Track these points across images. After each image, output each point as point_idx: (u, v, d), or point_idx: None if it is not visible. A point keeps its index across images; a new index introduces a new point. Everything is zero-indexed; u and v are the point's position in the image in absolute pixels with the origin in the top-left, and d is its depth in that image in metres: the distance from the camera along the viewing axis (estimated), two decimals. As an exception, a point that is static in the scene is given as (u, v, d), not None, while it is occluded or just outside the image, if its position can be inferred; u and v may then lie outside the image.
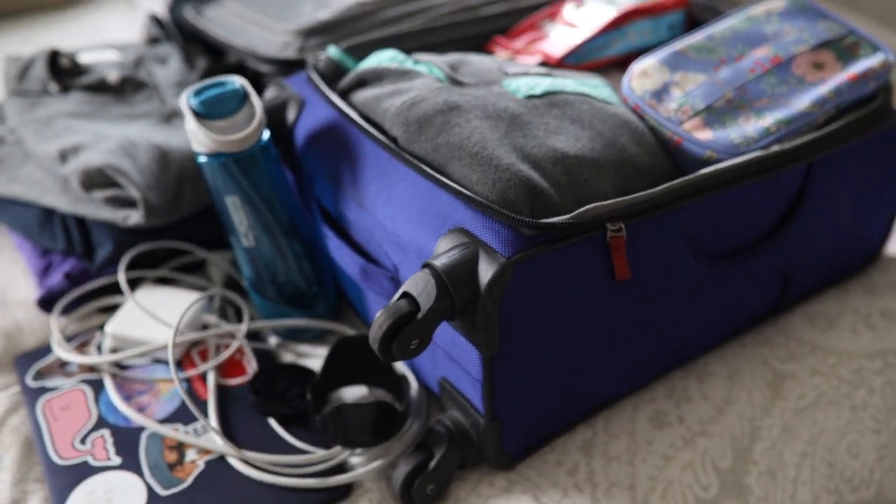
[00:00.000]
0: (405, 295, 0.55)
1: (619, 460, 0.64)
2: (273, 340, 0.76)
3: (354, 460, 0.65)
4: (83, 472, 0.65)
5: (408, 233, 0.61)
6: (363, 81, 0.71)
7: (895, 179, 0.75)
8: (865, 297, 0.77)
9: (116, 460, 0.66)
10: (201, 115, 0.66)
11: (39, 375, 0.73)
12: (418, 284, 0.54)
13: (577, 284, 0.58)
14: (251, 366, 0.73)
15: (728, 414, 0.68)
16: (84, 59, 0.97)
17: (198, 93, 0.67)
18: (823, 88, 0.68)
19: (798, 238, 0.70)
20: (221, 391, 0.70)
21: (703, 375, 0.71)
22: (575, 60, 0.82)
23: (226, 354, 0.71)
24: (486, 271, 0.54)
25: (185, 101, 0.67)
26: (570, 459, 0.65)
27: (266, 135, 0.69)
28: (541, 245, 0.55)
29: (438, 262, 0.54)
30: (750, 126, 0.66)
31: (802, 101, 0.67)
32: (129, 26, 1.36)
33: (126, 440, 0.67)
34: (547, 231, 0.55)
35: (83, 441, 0.67)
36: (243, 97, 0.67)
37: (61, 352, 0.72)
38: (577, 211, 0.55)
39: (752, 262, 0.68)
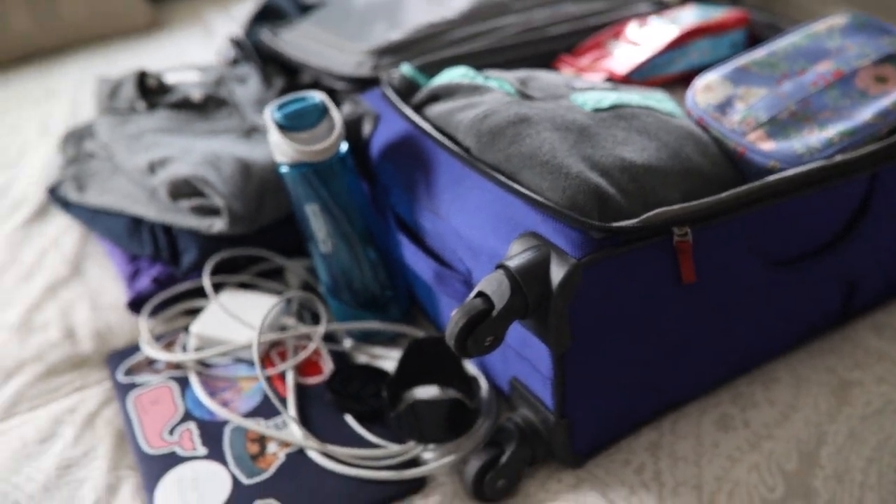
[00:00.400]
0: (480, 294, 0.57)
1: (686, 461, 0.66)
2: (348, 343, 0.79)
3: (427, 456, 0.68)
4: (172, 460, 0.69)
5: (481, 238, 0.64)
6: (436, 96, 0.75)
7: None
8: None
9: (202, 451, 0.70)
10: (285, 127, 0.70)
11: (129, 372, 0.78)
12: (493, 284, 0.57)
13: (644, 287, 0.60)
14: (327, 366, 0.76)
15: (793, 419, 0.69)
16: (169, 79, 1.02)
17: (281, 107, 0.72)
18: (886, 101, 0.69)
19: (861, 247, 0.71)
20: (300, 389, 0.74)
21: (768, 382, 0.72)
22: (639, 77, 0.85)
23: (305, 354, 0.75)
24: (557, 272, 0.57)
25: (270, 115, 0.71)
26: (637, 459, 0.66)
27: (344, 147, 0.73)
28: (609, 248, 0.57)
29: (512, 263, 0.57)
30: (813, 137, 0.68)
31: (865, 113, 0.68)
32: (205, 50, 1.42)
33: (211, 433, 0.71)
34: (616, 234, 0.57)
35: (171, 433, 0.71)
36: (323, 111, 0.72)
37: (149, 350, 0.77)
38: (646, 215, 0.58)
39: (814, 270, 0.69)
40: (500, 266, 0.58)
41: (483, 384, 0.72)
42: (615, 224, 0.57)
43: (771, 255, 0.66)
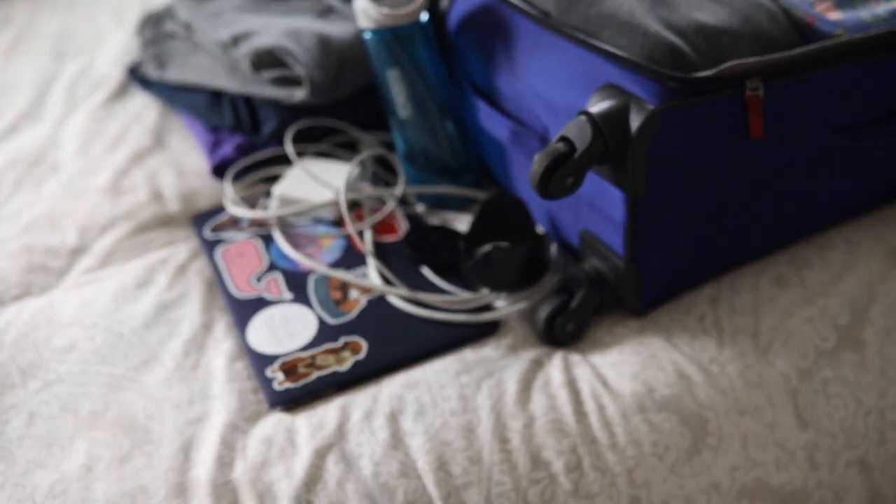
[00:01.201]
0: (563, 139, 0.61)
1: (744, 312, 0.70)
2: (420, 208, 0.84)
3: (500, 303, 0.73)
4: (260, 304, 0.74)
5: (560, 95, 0.68)
6: (514, -31, 0.78)
7: None
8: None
9: (289, 296, 0.75)
10: (371, -8, 0.74)
11: (215, 230, 0.83)
12: (575, 129, 0.61)
13: (715, 139, 0.64)
14: (403, 227, 0.81)
15: (846, 279, 0.73)
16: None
17: (367, -26, 0.75)
18: (953, -22, 0.71)
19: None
20: (377, 247, 0.79)
21: (823, 247, 0.75)
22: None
23: (383, 213, 0.79)
24: (636, 118, 0.60)
25: (357, -19, 0.74)
26: (699, 309, 0.71)
27: (425, 16, 0.77)
28: (685, 98, 0.61)
29: (594, 109, 0.61)
30: (880, 7, 0.70)
31: (932, -14, 0.70)
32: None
33: (296, 281, 0.76)
34: (691, 85, 0.61)
35: (258, 280, 0.76)
36: (407, -22, 0.75)
37: (234, 209, 0.81)
38: (720, 67, 0.61)
39: (875, 139, 0.72)
40: (583, 112, 0.61)
41: (553, 242, 0.76)
42: (691, 75, 0.61)
43: (835, 121, 0.69)
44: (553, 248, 0.76)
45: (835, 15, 0.71)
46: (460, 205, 0.83)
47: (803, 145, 0.69)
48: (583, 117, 0.61)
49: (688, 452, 0.64)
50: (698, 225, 0.68)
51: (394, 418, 0.64)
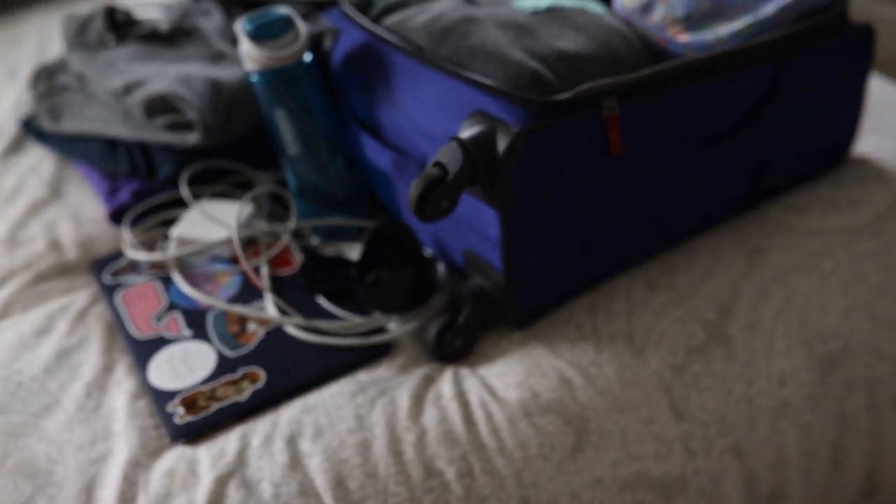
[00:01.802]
0: (437, 164, 0.66)
1: (619, 317, 0.75)
2: (315, 240, 0.87)
3: (392, 326, 0.76)
4: (161, 343, 0.76)
5: (436, 124, 0.72)
6: (390, 8, 0.82)
7: (853, 87, 0.86)
8: (834, 187, 0.88)
9: (188, 333, 0.77)
10: (254, 36, 0.77)
11: (115, 275, 0.84)
12: (446, 154, 0.65)
13: (580, 156, 0.69)
14: (298, 260, 0.84)
15: (711, 281, 0.78)
16: (136, 14, 1.08)
17: (251, 20, 0.79)
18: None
19: (769, 131, 0.81)
20: (274, 280, 0.81)
21: (690, 252, 0.81)
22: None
23: (277, 247, 0.82)
24: (502, 141, 0.65)
25: (241, 27, 0.78)
26: (578, 317, 0.75)
27: (309, 56, 0.81)
28: (548, 120, 0.66)
29: (464, 135, 0.66)
30: (724, 29, 0.77)
31: (770, 7, 0.77)
32: None
33: (195, 318, 0.78)
34: (552, 108, 0.66)
35: (158, 320, 0.78)
36: (289, 21, 0.79)
37: (132, 253, 0.83)
38: (577, 89, 0.66)
39: (728, 149, 0.79)
40: (454, 138, 0.66)
41: (440, 265, 0.80)
42: (550, 98, 0.66)
43: (690, 134, 0.75)
44: (441, 270, 0.80)
45: (684, 38, 0.77)
46: (353, 235, 0.87)
47: (663, 159, 0.74)
48: (454, 143, 0.66)
49: (572, 451, 0.68)
50: (571, 238, 0.73)
51: (293, 441, 0.67)
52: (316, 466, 0.65)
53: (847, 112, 0.88)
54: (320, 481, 0.64)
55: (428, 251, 0.82)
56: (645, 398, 0.71)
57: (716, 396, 0.73)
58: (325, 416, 0.68)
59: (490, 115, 0.67)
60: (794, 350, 0.77)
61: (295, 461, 0.65)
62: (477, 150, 0.65)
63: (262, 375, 0.72)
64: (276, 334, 0.76)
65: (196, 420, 0.69)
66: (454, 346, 0.73)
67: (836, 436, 0.81)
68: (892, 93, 1.04)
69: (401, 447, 0.66)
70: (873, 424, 0.83)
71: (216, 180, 0.92)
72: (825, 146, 0.88)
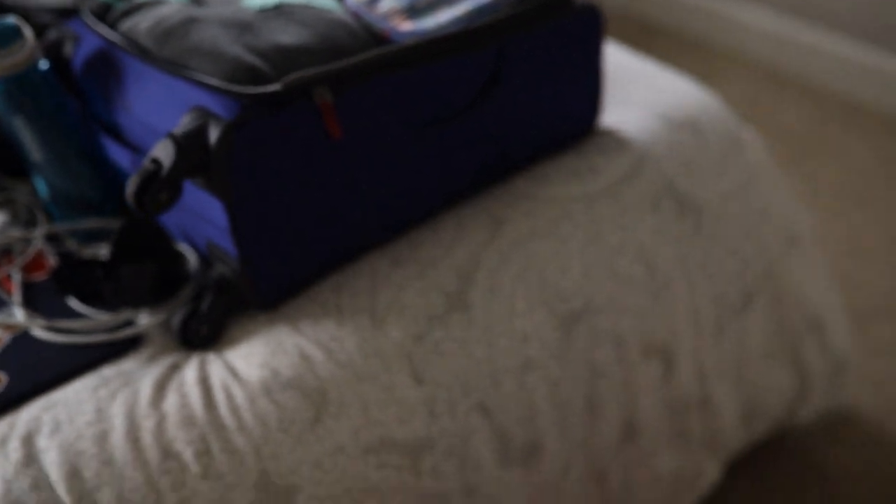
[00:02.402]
0: (153, 160, 0.68)
1: (362, 293, 0.79)
2: (73, 244, 0.87)
3: (141, 320, 0.78)
4: None
5: (162, 122, 0.74)
6: (126, 13, 0.84)
7: (586, 64, 0.92)
8: (577, 158, 0.94)
9: (-66, 346, 0.76)
10: (-20, 46, 0.77)
11: None
12: (161, 149, 0.68)
13: (301, 144, 0.72)
14: (54, 265, 0.84)
15: (454, 252, 0.83)
16: None
17: (-23, 30, 0.79)
18: (506, -14, 0.84)
19: (501, 110, 0.86)
20: (29, 286, 0.82)
21: (436, 227, 0.86)
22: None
23: (27, 255, 0.82)
24: (214, 133, 0.68)
25: (-34, 37, 0.78)
26: (322, 297, 0.79)
27: (45, 64, 0.81)
28: (261, 111, 0.69)
29: (177, 130, 0.68)
30: (444, 15, 0.82)
31: (486, -6, 0.83)
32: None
33: (-58, 331, 0.78)
34: (265, 99, 0.69)
35: None
36: (16, 30, 0.79)
37: None
38: (284, 79, 0.70)
39: (460, 129, 0.83)
40: (168, 135, 0.68)
41: (191, 257, 0.82)
42: (259, 89, 0.69)
43: (415, 117, 0.80)
44: (193, 262, 0.82)
45: (407, 26, 0.82)
46: (109, 236, 0.88)
47: (389, 142, 0.79)
48: (168, 139, 0.68)
49: (311, 423, 0.71)
50: (305, 223, 0.76)
51: (29, 439, 0.67)
52: (51, 461, 0.66)
53: (586, 87, 0.94)
54: (55, 474, 0.65)
55: (182, 245, 0.84)
56: (385, 367, 0.75)
57: (457, 359, 0.78)
58: (66, 412, 0.69)
59: (205, 110, 0.70)
60: (535, 310, 0.82)
61: (29, 458, 0.66)
62: (189, 143, 0.67)
63: (4, 379, 0.72)
64: (23, 339, 0.76)
65: (-67, 430, 0.69)
66: (200, 334, 0.75)
67: (588, 387, 0.88)
68: (637, 66, 1.12)
69: (139, 434, 0.68)
70: (625, 373, 0.90)
71: (-26, 193, 0.92)
72: (569, 120, 0.95)
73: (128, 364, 0.74)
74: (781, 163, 1.87)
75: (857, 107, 2.03)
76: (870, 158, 1.87)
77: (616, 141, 0.97)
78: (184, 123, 0.69)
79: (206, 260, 0.82)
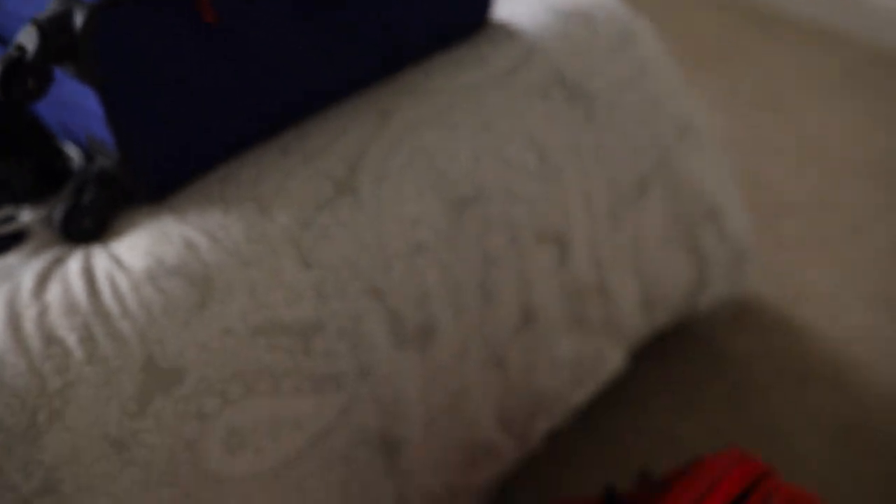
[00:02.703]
0: (17, 47, 0.67)
1: (249, 183, 0.79)
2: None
3: (25, 216, 0.78)
4: None
5: (32, 11, 0.73)
6: None
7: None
8: (467, 49, 0.94)
9: None
10: None
11: None
12: (26, 36, 0.67)
13: (174, 28, 0.71)
14: (-64, 168, 0.83)
15: (342, 141, 0.84)
16: None
17: None
18: None
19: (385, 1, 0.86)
20: None
21: (326, 118, 0.86)
22: None
23: None
24: (79, 18, 0.67)
25: None
26: (210, 188, 0.79)
27: None
28: (127, -5, 0.68)
29: (41, 15, 0.67)
30: None
31: None
32: None
33: None
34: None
35: None
36: None
37: None
38: (150, -39, 0.69)
39: (341, 17, 0.83)
40: (32, 20, 0.67)
41: (73, 153, 0.81)
42: (123, -28, 0.68)
43: (293, 2, 0.79)
44: (75, 158, 0.81)
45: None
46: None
47: (268, 28, 0.78)
48: (31, 24, 0.67)
49: (197, 307, 0.72)
50: (189, 112, 0.76)
51: None
52: (-69, 352, 0.66)
53: (475, -21, 0.94)
54: (-65, 365, 0.66)
55: (66, 143, 0.83)
56: (272, 251, 0.76)
57: (346, 244, 0.79)
58: (-54, 307, 0.69)
59: (71, -4, 0.69)
60: (425, 195, 0.84)
61: None
62: (53, 28, 0.66)
63: None
64: None
65: None
66: (82, 227, 0.75)
67: (483, 273, 0.90)
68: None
69: (20, 322, 0.68)
70: (518, 259, 0.92)
71: None
72: (461, 11, 0.95)
73: (9, 260, 0.74)
74: (698, 68, 1.90)
75: (775, 16, 2.06)
76: (785, 65, 1.91)
77: (506, 32, 0.98)
78: (50, 8, 0.68)
79: (88, 155, 0.82)
